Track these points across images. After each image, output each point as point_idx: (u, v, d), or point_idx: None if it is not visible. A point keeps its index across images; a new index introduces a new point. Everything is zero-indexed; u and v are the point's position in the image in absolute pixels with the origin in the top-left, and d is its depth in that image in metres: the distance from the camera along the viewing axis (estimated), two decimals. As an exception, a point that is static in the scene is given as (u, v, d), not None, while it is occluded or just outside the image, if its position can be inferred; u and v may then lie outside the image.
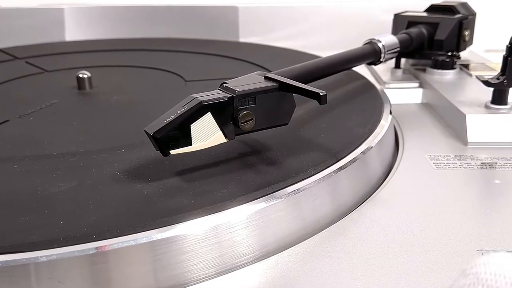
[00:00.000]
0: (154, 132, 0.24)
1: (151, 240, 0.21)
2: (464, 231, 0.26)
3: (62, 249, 0.20)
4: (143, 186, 0.25)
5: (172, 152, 0.25)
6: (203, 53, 0.57)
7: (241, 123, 0.26)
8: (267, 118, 0.27)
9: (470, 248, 0.24)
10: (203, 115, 0.25)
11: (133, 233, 0.21)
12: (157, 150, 0.25)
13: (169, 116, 0.25)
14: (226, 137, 0.26)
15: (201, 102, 0.25)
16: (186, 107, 0.25)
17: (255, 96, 0.27)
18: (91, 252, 0.21)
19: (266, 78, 0.28)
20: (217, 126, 0.26)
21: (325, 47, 0.64)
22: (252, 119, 0.26)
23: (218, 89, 0.27)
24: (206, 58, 0.55)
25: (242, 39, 0.73)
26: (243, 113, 0.26)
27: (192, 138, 0.25)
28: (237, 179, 0.26)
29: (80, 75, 0.44)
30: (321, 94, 0.26)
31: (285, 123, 0.28)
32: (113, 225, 0.22)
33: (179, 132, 0.25)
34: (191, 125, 0.25)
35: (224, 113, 0.26)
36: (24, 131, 0.34)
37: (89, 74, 0.44)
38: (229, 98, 0.26)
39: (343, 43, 0.56)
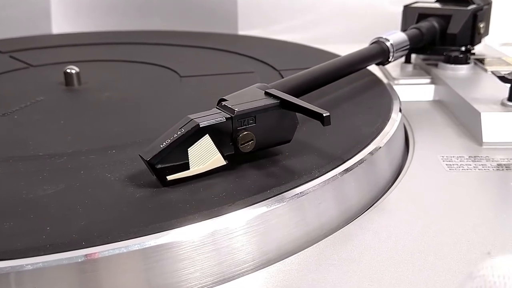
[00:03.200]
0: (150, 158, 0.25)
1: (144, 247, 0.21)
2: (479, 237, 0.26)
3: (49, 256, 0.20)
4: (136, 189, 0.25)
5: (169, 177, 0.25)
6: (199, 46, 0.57)
7: (241, 145, 0.26)
8: (268, 137, 0.28)
9: (485, 255, 0.24)
10: (200, 137, 0.25)
11: (125, 240, 0.21)
12: (153, 175, 0.25)
13: (165, 140, 0.25)
14: (225, 159, 0.26)
15: (198, 124, 0.25)
16: (183, 130, 0.25)
17: (255, 115, 0.27)
18: (79, 260, 0.21)
19: (267, 94, 0.28)
20: (216, 149, 0.26)
21: (330, 40, 0.64)
22: (252, 139, 0.27)
23: (216, 108, 0.27)
24: (203, 52, 0.55)
25: (241, 32, 0.73)
26: (242, 134, 0.26)
27: (189, 162, 0.25)
28: (236, 182, 0.26)
29: (68, 71, 0.44)
30: (324, 115, 0.26)
31: (288, 141, 0.29)
32: (103, 231, 0.22)
33: (176, 156, 0.25)
34: (188, 149, 0.25)
35: (223, 134, 0.26)
36: (8, 130, 0.35)
37: (77, 70, 0.44)
38: (227, 118, 0.26)
39: (349, 36, 0.56)
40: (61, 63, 0.49)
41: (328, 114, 0.26)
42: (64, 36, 0.67)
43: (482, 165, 0.33)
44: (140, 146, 0.28)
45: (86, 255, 0.21)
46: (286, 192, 0.25)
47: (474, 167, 0.33)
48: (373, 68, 0.45)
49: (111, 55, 0.55)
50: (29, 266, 0.20)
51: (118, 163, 0.28)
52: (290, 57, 0.51)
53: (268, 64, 0.47)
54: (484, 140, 0.36)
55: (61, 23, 0.74)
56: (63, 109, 0.39)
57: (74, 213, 0.23)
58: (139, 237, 0.22)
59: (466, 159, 0.34)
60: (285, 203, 0.25)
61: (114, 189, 0.25)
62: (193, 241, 0.22)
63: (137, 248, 0.21)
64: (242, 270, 0.24)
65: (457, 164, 0.33)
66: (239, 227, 0.23)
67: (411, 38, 0.45)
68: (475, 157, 0.34)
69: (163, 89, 0.43)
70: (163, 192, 0.25)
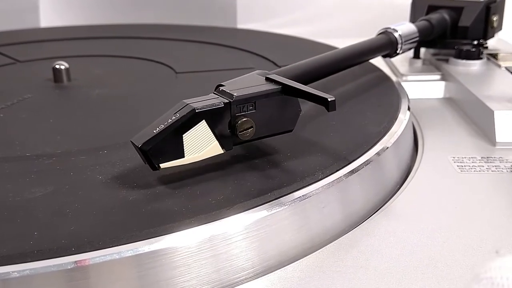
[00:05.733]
0: (142, 144, 0.24)
1: (137, 253, 0.21)
2: (492, 243, 0.26)
3: (36, 263, 0.20)
4: (128, 192, 0.25)
5: (163, 165, 0.25)
6: (196, 41, 0.57)
7: (240, 132, 0.26)
8: (269, 125, 0.28)
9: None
10: (196, 123, 0.25)
11: (117, 245, 0.21)
12: (145, 163, 0.25)
13: (158, 125, 0.25)
14: (222, 147, 0.26)
15: (194, 109, 0.25)
16: (178, 115, 0.25)
17: (255, 101, 0.27)
18: (69, 267, 0.21)
19: (268, 79, 0.28)
20: (213, 136, 0.26)
21: (335, 34, 0.64)
22: (252, 127, 0.27)
23: (213, 93, 0.27)
24: (200, 47, 0.55)
25: (240, 25, 0.73)
26: (241, 121, 0.26)
27: (184, 150, 0.25)
28: (235, 184, 0.26)
29: (57, 66, 0.44)
30: (329, 99, 0.26)
31: (290, 130, 0.29)
32: (94, 236, 0.22)
33: (170, 143, 0.25)
34: (183, 135, 0.25)
35: (221, 120, 0.26)
36: (-7, 130, 0.35)
37: (66, 65, 0.44)
38: (225, 104, 0.26)
39: (355, 29, 0.56)
40: (50, 59, 0.49)
41: (333, 98, 0.26)
42: (53, 30, 0.67)
43: (495, 166, 0.33)
44: (133, 147, 0.28)
45: (76, 262, 0.21)
46: (288, 195, 0.25)
47: (487, 168, 0.33)
48: (380, 63, 0.45)
49: (103, 50, 0.55)
50: (16, 273, 0.20)
51: (110, 164, 0.28)
52: (292, 52, 0.51)
53: (269, 60, 0.47)
54: (497, 140, 0.36)
55: (49, 16, 0.74)
56: (52, 107, 0.39)
57: (63, 217, 0.23)
58: (132, 242, 0.22)
59: (479, 160, 0.34)
60: (286, 206, 0.25)
61: (105, 191, 0.25)
62: (189, 247, 0.22)
63: (130, 255, 0.21)
64: (241, 278, 0.24)
65: (469, 166, 0.33)
66: (238, 232, 0.23)
67: (420, 30, 0.45)
68: (488, 158, 0.34)
69: (158, 86, 0.43)
70: (157, 195, 0.25)
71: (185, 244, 0.22)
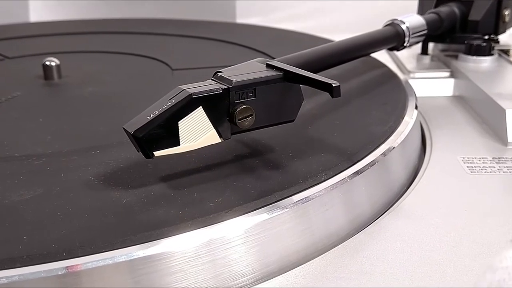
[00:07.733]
0: (135, 131, 0.24)
1: (132, 258, 0.21)
2: (504, 247, 0.26)
3: (26, 268, 0.20)
4: (122, 194, 0.25)
5: (157, 153, 0.25)
6: (193, 36, 0.57)
7: (239, 120, 0.26)
8: (270, 113, 0.27)
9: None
10: (193, 110, 0.25)
11: (110, 250, 0.21)
12: (138, 151, 0.25)
13: (153, 111, 0.25)
14: (220, 136, 0.26)
15: (191, 94, 0.25)
16: (173, 101, 0.25)
17: (255, 87, 0.27)
18: (60, 273, 0.21)
19: (268, 66, 0.28)
20: (210, 123, 0.26)
21: (338, 29, 0.64)
22: (251, 115, 0.26)
23: (211, 79, 0.27)
24: (197, 43, 0.55)
25: (239, 20, 0.73)
26: (240, 108, 0.26)
27: (180, 137, 0.25)
28: (234, 186, 0.26)
29: (47, 63, 0.44)
30: (333, 85, 0.26)
31: (291, 120, 0.28)
32: (86, 240, 0.22)
33: (165, 130, 0.25)
34: (179, 122, 0.25)
35: (219, 107, 0.26)
36: (-20, 129, 0.35)
37: (57, 62, 0.44)
38: (224, 90, 0.26)
39: (359, 24, 0.55)
40: (40, 55, 0.49)
41: (337, 84, 0.26)
42: (43, 24, 0.67)
43: (507, 167, 0.33)
44: (127, 146, 0.28)
45: (67, 267, 0.21)
46: (289, 197, 0.25)
47: (498, 169, 0.33)
48: (386, 60, 0.45)
49: (95, 45, 0.55)
50: (4, 279, 0.20)
51: (103, 164, 0.28)
52: (293, 47, 0.51)
53: (269, 56, 0.47)
54: (509, 140, 0.36)
55: (39, 10, 0.74)
56: (42, 106, 0.39)
57: (53, 221, 0.23)
58: (126, 247, 0.22)
59: (490, 160, 0.34)
60: (288, 209, 0.25)
61: (98, 193, 0.25)
62: (186, 251, 0.22)
63: (124, 260, 0.21)
64: (241, 284, 0.24)
65: (480, 166, 0.33)
66: (237, 236, 0.23)
67: (429, 23, 0.45)
68: (499, 158, 0.34)
69: (153, 83, 0.43)
70: (152, 198, 0.25)
71: (181, 248, 0.22)
